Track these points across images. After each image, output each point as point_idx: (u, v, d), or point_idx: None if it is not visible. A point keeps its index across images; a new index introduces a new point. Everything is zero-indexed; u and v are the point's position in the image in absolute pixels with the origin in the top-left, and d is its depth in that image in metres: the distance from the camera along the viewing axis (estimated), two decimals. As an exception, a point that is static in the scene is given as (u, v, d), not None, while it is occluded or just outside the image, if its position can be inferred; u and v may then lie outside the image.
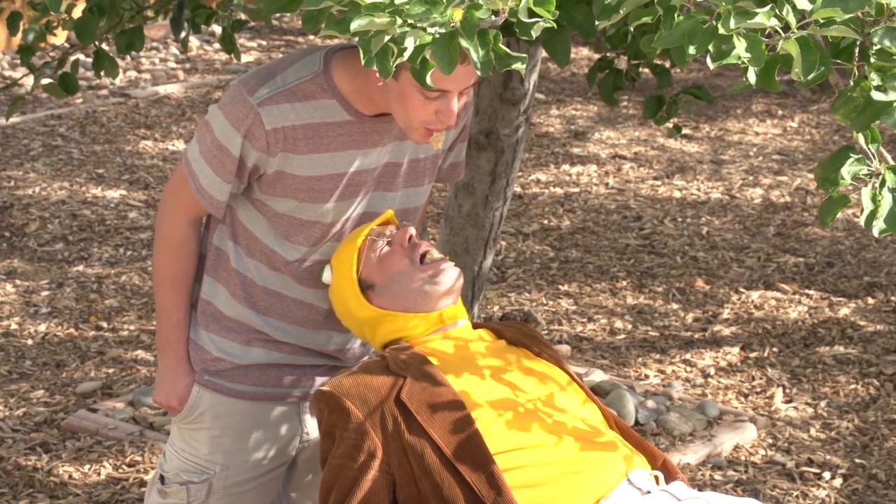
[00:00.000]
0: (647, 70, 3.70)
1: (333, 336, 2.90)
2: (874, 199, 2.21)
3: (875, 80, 2.13)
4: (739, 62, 2.05)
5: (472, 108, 2.91)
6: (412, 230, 2.78)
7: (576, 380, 2.78)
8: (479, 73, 2.09)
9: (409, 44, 2.01)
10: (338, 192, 2.74)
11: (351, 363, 2.95)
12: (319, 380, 2.92)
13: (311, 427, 2.94)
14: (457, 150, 2.94)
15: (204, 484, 2.89)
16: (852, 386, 4.84)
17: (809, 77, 2.07)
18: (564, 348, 5.07)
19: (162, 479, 2.93)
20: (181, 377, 2.89)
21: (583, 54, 9.70)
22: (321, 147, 2.70)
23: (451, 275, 2.75)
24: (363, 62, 2.05)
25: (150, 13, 3.91)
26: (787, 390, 4.82)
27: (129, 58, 8.80)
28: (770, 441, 4.46)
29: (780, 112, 8.47)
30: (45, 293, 5.46)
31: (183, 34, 3.90)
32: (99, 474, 4.13)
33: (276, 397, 2.89)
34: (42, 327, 5.16)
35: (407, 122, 2.62)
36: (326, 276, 2.77)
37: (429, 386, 2.60)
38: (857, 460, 4.35)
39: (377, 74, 2.08)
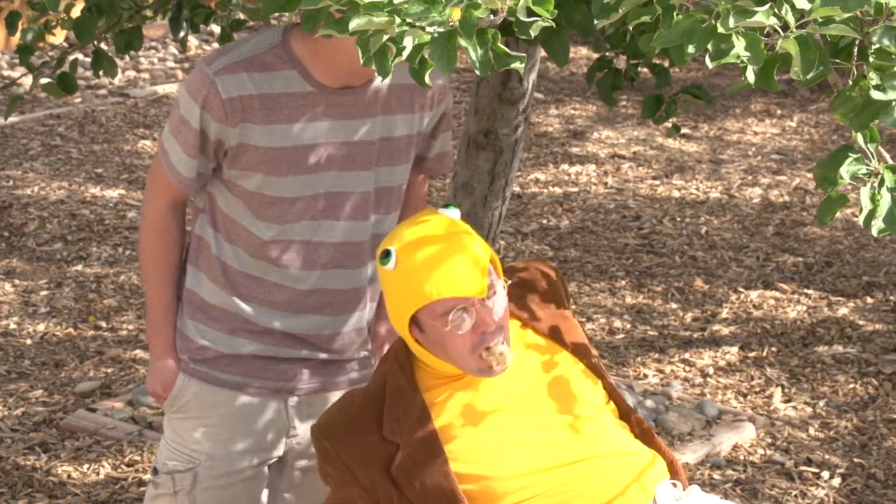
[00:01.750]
0: (645, 69, 3.70)
1: (318, 321, 2.84)
2: (873, 199, 2.21)
3: (874, 79, 2.13)
4: (738, 61, 2.05)
5: (449, 94, 2.86)
6: (494, 320, 2.52)
7: (601, 375, 2.71)
8: (478, 72, 2.09)
9: (408, 43, 2.01)
10: (303, 165, 2.72)
11: (341, 355, 2.90)
12: (307, 375, 2.88)
13: (299, 424, 2.91)
14: (441, 140, 2.92)
15: (189, 473, 2.87)
16: (851, 385, 4.84)
17: (808, 76, 2.07)
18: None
19: (155, 471, 2.93)
20: (167, 366, 2.88)
21: (581, 54, 9.70)
22: (282, 118, 2.69)
23: (497, 372, 2.56)
24: (362, 62, 2.05)
25: (148, 13, 3.91)
26: (786, 390, 4.82)
27: (127, 57, 8.80)
28: (769, 440, 4.46)
29: (778, 111, 8.47)
30: (44, 293, 5.46)
31: (182, 34, 3.90)
32: (98, 474, 4.13)
33: (262, 390, 2.86)
34: (41, 327, 5.15)
35: (309, 55, 2.69)
36: (390, 264, 2.52)
37: (421, 460, 2.54)
38: (855, 460, 4.35)
39: (378, 73, 2.08)
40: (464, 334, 2.50)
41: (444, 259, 2.48)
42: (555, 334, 2.69)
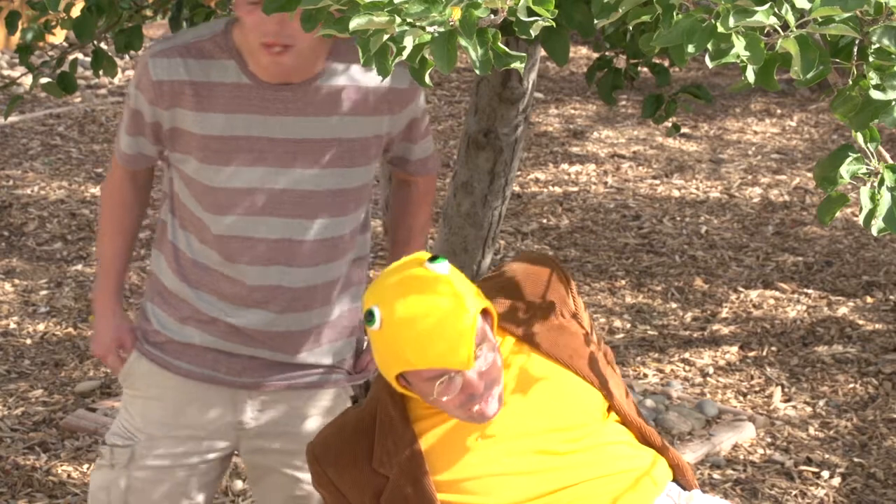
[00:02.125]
0: (645, 69, 3.70)
1: (264, 317, 2.82)
2: (873, 198, 2.21)
3: (874, 78, 2.13)
4: (738, 61, 2.05)
5: (416, 99, 2.82)
6: (481, 385, 2.45)
7: (601, 378, 2.65)
8: (478, 71, 2.09)
9: (408, 42, 2.01)
10: (236, 156, 2.72)
11: (293, 357, 2.86)
12: (259, 373, 2.86)
13: (251, 421, 2.89)
14: (421, 146, 2.89)
15: (127, 449, 2.88)
16: (851, 385, 4.85)
17: (808, 76, 2.07)
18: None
19: (103, 441, 2.96)
20: (106, 329, 2.92)
21: (581, 53, 9.70)
22: (215, 106, 2.70)
23: (488, 420, 2.52)
24: (361, 61, 2.05)
25: (148, 12, 3.91)
26: (786, 389, 4.82)
27: (127, 57, 8.80)
28: (769, 440, 4.46)
29: (778, 111, 8.47)
30: (44, 292, 5.46)
31: (182, 33, 3.90)
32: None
33: (212, 380, 2.85)
34: (41, 326, 5.16)
35: (249, 48, 2.66)
36: (375, 325, 2.45)
37: (411, 494, 2.51)
38: (855, 459, 4.36)
39: (377, 73, 2.08)
40: (453, 402, 2.46)
41: (429, 329, 2.40)
42: (551, 349, 2.62)
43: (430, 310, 2.41)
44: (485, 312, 2.50)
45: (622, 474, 2.57)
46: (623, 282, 5.75)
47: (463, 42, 2.03)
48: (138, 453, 2.87)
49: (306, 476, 2.86)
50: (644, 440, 2.67)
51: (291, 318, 2.83)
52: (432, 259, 2.46)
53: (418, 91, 2.80)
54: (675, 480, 2.68)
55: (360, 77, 2.73)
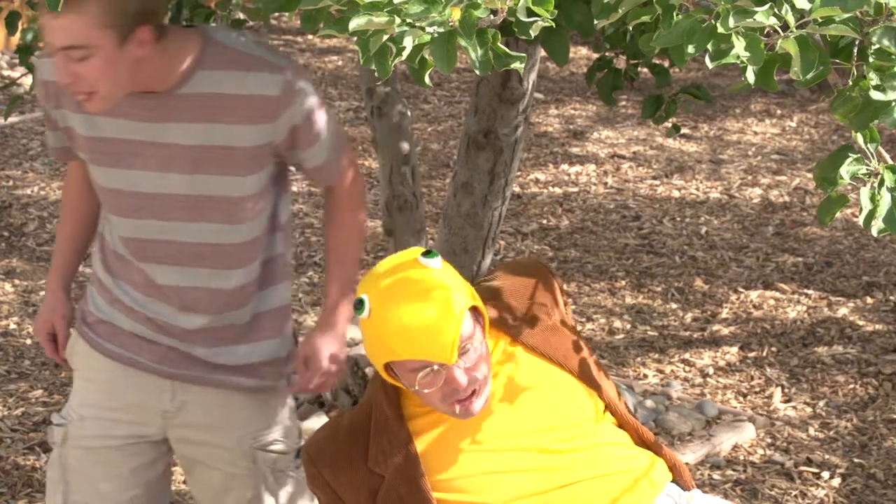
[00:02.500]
0: (645, 69, 3.70)
1: (172, 312, 2.85)
2: (873, 199, 2.21)
3: (874, 79, 2.13)
4: (738, 61, 2.05)
5: (293, 106, 2.74)
6: (465, 380, 2.46)
7: (593, 377, 2.66)
8: (478, 72, 2.09)
9: (408, 43, 2.01)
10: (111, 158, 2.76)
11: (212, 356, 2.87)
12: (182, 365, 2.87)
13: (178, 410, 2.90)
14: (311, 154, 2.83)
15: (61, 428, 2.93)
16: (851, 385, 4.85)
17: (808, 76, 2.07)
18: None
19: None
20: (43, 311, 3.02)
21: (581, 53, 9.70)
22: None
23: (472, 416, 2.53)
24: (361, 61, 2.05)
25: (148, 12, 3.90)
26: (786, 390, 4.82)
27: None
28: (769, 441, 4.46)
29: (778, 111, 8.47)
30: (44, 293, 5.46)
31: (181, 34, 3.90)
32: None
33: (136, 365, 2.88)
34: (41, 327, 5.16)
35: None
36: (364, 313, 2.48)
37: (405, 493, 2.53)
38: (855, 460, 4.35)
39: (377, 73, 2.08)
40: (433, 390, 2.48)
41: (415, 320, 2.42)
42: (547, 349, 2.64)
43: (418, 302, 2.44)
44: (475, 310, 2.51)
45: (620, 475, 2.57)
46: (623, 282, 5.75)
47: (463, 42, 2.03)
48: (71, 433, 2.92)
49: (234, 470, 2.91)
50: (640, 441, 2.68)
51: (196, 317, 2.85)
52: (426, 254, 2.49)
53: (294, 98, 2.73)
54: (673, 481, 2.68)
55: (229, 85, 2.70)
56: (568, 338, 2.68)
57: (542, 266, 2.77)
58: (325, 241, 3.02)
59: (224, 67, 2.69)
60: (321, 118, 2.79)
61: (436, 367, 2.45)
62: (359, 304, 2.47)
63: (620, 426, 2.68)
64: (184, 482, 4.03)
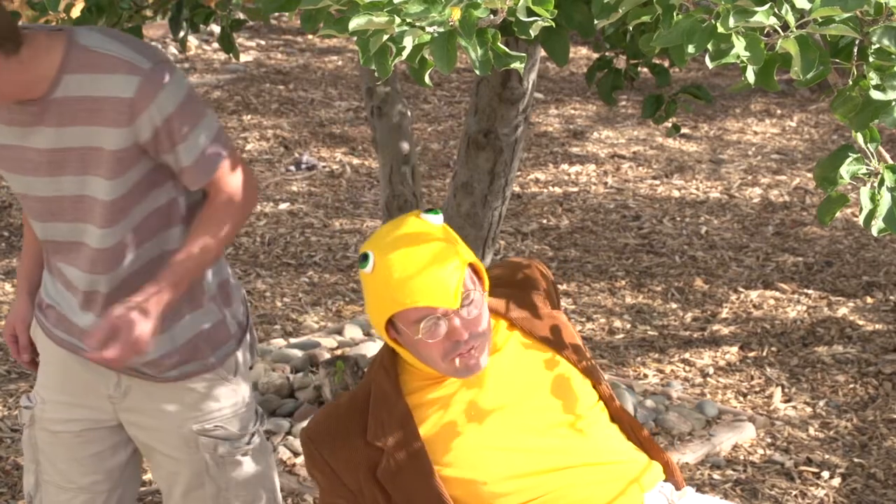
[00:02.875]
0: (645, 69, 3.70)
1: (79, 312, 2.88)
2: (873, 199, 2.21)
3: (874, 79, 2.13)
4: (738, 61, 2.05)
5: (150, 108, 2.72)
6: (467, 331, 2.51)
7: (589, 371, 2.69)
8: (478, 72, 2.09)
9: (408, 43, 2.01)
10: (11, 164, 2.82)
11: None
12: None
13: (122, 396, 2.91)
14: (178, 155, 2.78)
15: (28, 411, 3.00)
16: (851, 385, 4.84)
17: (808, 76, 2.07)
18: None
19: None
20: (11, 312, 3.07)
21: (581, 53, 9.70)
22: None
23: (472, 373, 2.57)
24: (361, 61, 2.05)
25: (148, 13, 3.91)
26: (786, 390, 4.82)
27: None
28: (769, 440, 4.46)
29: (778, 111, 8.47)
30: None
31: (181, 34, 3.90)
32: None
33: (78, 351, 2.90)
34: (41, 327, 5.15)
35: None
36: (368, 267, 2.53)
37: (405, 464, 2.55)
38: (855, 460, 4.35)
39: (377, 73, 2.08)
40: (435, 342, 2.51)
41: (418, 267, 2.48)
42: (545, 336, 2.68)
43: (421, 251, 2.50)
44: (474, 269, 2.56)
45: (613, 465, 2.60)
46: (623, 282, 5.75)
47: (463, 42, 2.03)
48: (36, 416, 2.98)
49: (178, 455, 2.92)
50: (633, 438, 2.70)
51: (93, 316, 2.87)
52: (428, 210, 2.56)
53: (151, 99, 2.70)
54: (666, 480, 2.69)
55: (90, 88, 2.71)
56: (567, 329, 2.72)
57: (535, 261, 2.82)
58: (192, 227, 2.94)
59: (85, 70, 2.71)
60: (189, 119, 2.74)
61: (439, 315, 2.48)
62: (363, 259, 2.52)
63: (614, 421, 2.69)
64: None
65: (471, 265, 2.56)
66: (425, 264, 2.48)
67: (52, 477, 2.99)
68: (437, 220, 2.56)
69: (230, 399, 2.96)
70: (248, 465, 2.99)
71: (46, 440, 2.99)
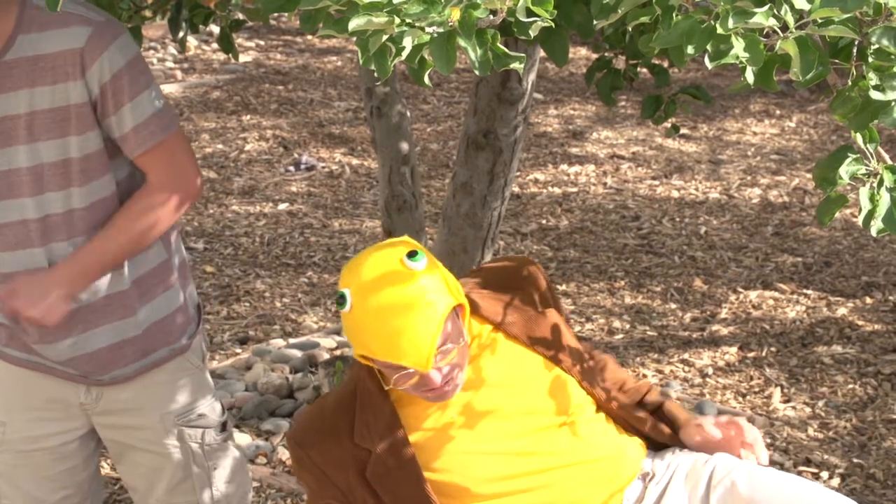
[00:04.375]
0: (645, 70, 3.70)
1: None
2: (872, 199, 2.21)
3: (873, 79, 2.13)
4: (737, 62, 2.05)
5: (101, 62, 2.64)
6: (438, 383, 2.50)
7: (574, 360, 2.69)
8: (477, 72, 2.09)
9: (408, 43, 2.01)
10: None
11: (85, 333, 2.80)
12: (81, 366, 2.80)
13: (91, 400, 2.85)
14: (125, 118, 2.71)
15: None
16: (850, 385, 4.85)
17: (807, 77, 2.07)
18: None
19: None
20: None
21: (581, 54, 9.70)
22: None
23: (445, 399, 2.56)
24: (361, 62, 2.05)
25: (147, 13, 3.91)
26: (785, 390, 4.82)
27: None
28: (768, 441, 4.46)
29: (778, 112, 8.47)
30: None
31: (181, 34, 3.90)
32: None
33: (40, 368, 2.82)
34: (40, 327, 5.15)
35: None
36: (346, 307, 2.50)
37: (393, 465, 2.56)
38: (854, 460, 4.35)
39: (377, 73, 2.08)
40: (406, 387, 2.52)
41: (393, 327, 2.43)
42: (535, 338, 2.67)
43: (398, 308, 2.44)
44: (459, 306, 2.54)
45: (598, 462, 2.62)
46: (622, 282, 5.75)
47: (462, 43, 2.03)
48: (1, 439, 2.88)
49: (162, 450, 2.89)
50: (627, 426, 2.72)
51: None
52: (411, 254, 2.48)
53: (101, 50, 2.64)
54: (681, 442, 2.71)
55: (42, 45, 2.64)
56: (555, 326, 2.71)
57: (528, 260, 2.81)
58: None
59: (39, 29, 2.63)
60: (136, 84, 2.68)
61: (411, 371, 2.47)
62: (341, 299, 2.49)
63: (605, 413, 2.71)
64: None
65: (456, 307, 2.52)
66: (400, 326, 2.43)
67: (14, 501, 2.91)
68: (419, 265, 2.47)
69: (205, 386, 2.94)
70: (231, 450, 2.98)
71: (10, 462, 2.89)
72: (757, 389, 4.82)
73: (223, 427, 2.96)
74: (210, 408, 2.94)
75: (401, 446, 2.56)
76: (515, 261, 2.80)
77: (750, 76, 2.11)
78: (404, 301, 2.44)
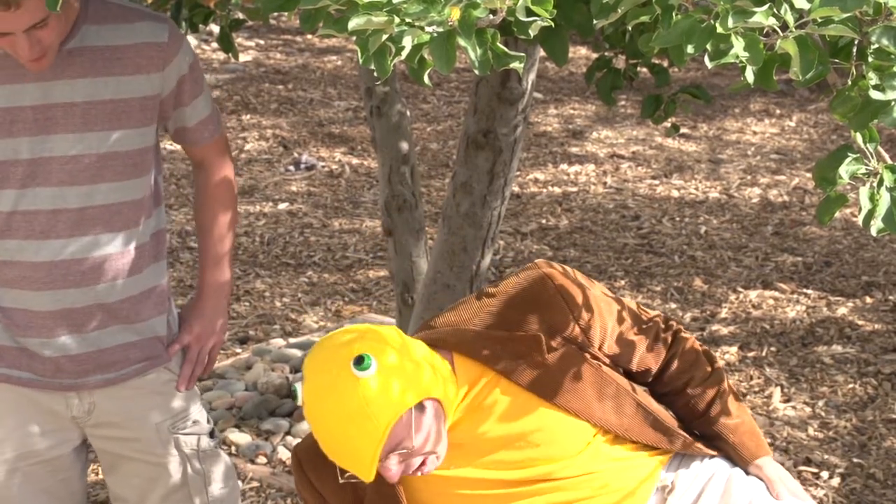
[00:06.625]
0: (645, 69, 3.70)
1: (56, 295, 2.72)
2: (872, 199, 2.21)
3: (873, 79, 2.13)
4: (737, 61, 2.05)
5: (178, 56, 2.72)
6: (393, 479, 2.47)
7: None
8: (477, 72, 2.09)
9: (407, 43, 2.01)
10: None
11: (80, 336, 2.78)
12: (71, 373, 2.79)
13: (83, 412, 2.84)
14: (193, 110, 2.79)
15: None
16: (850, 385, 4.85)
17: (807, 76, 2.07)
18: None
19: None
20: None
21: (581, 53, 9.70)
22: None
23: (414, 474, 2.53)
24: (361, 61, 2.05)
25: (147, 12, 3.90)
26: (786, 390, 4.82)
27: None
28: (768, 440, 4.46)
29: (777, 111, 8.47)
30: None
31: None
32: (97, 474, 4.13)
33: (29, 384, 2.80)
34: (40, 327, 5.15)
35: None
36: (299, 401, 2.50)
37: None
38: (854, 460, 4.35)
39: (377, 73, 2.08)
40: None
41: (334, 432, 2.40)
42: (530, 385, 2.56)
43: (339, 418, 2.38)
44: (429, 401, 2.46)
45: (604, 496, 2.58)
46: (622, 282, 5.75)
47: (462, 42, 2.03)
48: None
49: (158, 459, 2.88)
50: (644, 446, 2.66)
51: (63, 294, 2.74)
52: (358, 362, 2.39)
53: (180, 45, 2.74)
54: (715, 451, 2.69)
55: (115, 37, 2.67)
56: (567, 366, 2.59)
57: (544, 279, 2.62)
58: (198, 233, 2.96)
59: (108, 21, 2.66)
60: (201, 78, 2.83)
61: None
62: (295, 394, 2.51)
63: (621, 439, 2.65)
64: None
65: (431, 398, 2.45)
66: (340, 436, 2.39)
67: None
68: (367, 373, 2.37)
69: (193, 392, 2.95)
70: (223, 456, 2.99)
71: (6, 477, 2.85)
72: (757, 389, 4.82)
73: (212, 433, 2.97)
74: (201, 414, 2.95)
75: (390, 496, 2.57)
76: (530, 286, 2.63)
77: (750, 75, 2.10)
78: (346, 412, 2.37)
